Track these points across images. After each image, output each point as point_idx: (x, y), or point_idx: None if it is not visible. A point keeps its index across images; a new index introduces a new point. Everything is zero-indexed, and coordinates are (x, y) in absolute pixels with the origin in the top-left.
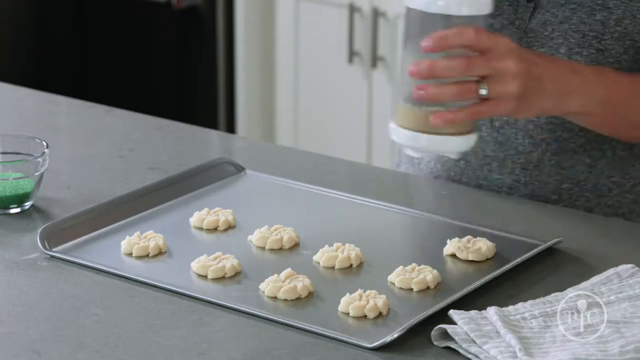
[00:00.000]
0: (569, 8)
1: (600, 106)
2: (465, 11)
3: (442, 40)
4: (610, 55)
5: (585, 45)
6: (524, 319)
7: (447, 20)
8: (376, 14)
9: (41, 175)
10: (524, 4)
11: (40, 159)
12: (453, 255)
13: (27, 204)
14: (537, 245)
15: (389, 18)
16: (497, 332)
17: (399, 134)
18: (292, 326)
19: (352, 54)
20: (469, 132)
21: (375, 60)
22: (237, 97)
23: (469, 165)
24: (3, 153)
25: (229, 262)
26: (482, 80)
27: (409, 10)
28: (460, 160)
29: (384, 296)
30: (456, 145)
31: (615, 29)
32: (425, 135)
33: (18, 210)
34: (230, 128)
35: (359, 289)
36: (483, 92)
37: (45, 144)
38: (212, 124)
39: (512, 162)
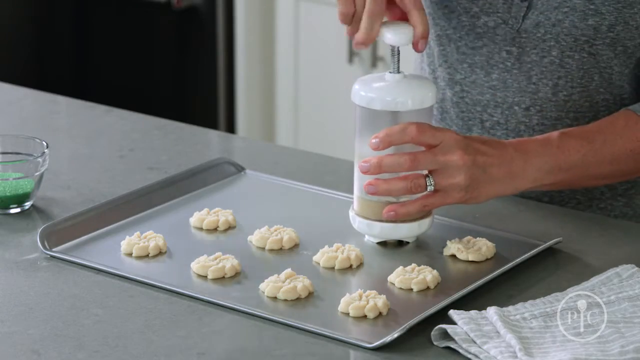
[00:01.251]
0: (561, 11)
1: (551, 175)
2: (408, 106)
3: (387, 138)
4: (601, 60)
5: (577, 49)
6: (524, 319)
7: (393, 115)
8: None
9: (41, 175)
10: (518, 3)
11: (40, 159)
12: (453, 256)
13: (27, 204)
14: (537, 245)
15: None
16: (497, 332)
17: (356, 222)
18: (292, 326)
19: (352, 54)
20: (422, 218)
21: (375, 60)
22: (237, 97)
23: None
24: (3, 153)
25: (229, 263)
26: (429, 174)
27: (355, 106)
28: None
29: (383, 296)
30: (409, 232)
31: (607, 35)
32: (379, 224)
33: (18, 210)
34: (230, 128)
35: (359, 289)
36: (430, 187)
37: (45, 144)
38: (212, 124)
39: None
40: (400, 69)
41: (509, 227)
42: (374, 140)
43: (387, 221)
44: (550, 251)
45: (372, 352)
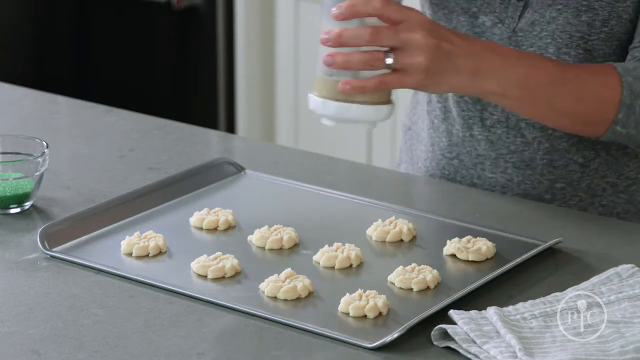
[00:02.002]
0: (555, 9)
1: (517, 88)
2: None
3: (350, 8)
4: (598, 56)
5: (572, 46)
6: (524, 319)
7: None
8: None
9: (41, 175)
10: (515, 3)
11: (40, 159)
12: (453, 256)
13: (27, 204)
14: (537, 245)
15: None
16: (497, 332)
17: (312, 102)
18: (292, 326)
19: None
20: (381, 103)
21: None
22: (237, 97)
23: (462, 164)
24: (3, 153)
25: (229, 262)
26: (390, 51)
27: None
28: (453, 159)
29: (383, 296)
30: (364, 114)
31: (601, 30)
32: (334, 103)
33: (18, 210)
34: (230, 128)
35: (359, 289)
36: (389, 61)
37: (45, 144)
38: (212, 124)
39: (504, 161)
40: None
41: (509, 227)
42: (336, 10)
43: (343, 101)
44: (550, 251)
45: (372, 352)
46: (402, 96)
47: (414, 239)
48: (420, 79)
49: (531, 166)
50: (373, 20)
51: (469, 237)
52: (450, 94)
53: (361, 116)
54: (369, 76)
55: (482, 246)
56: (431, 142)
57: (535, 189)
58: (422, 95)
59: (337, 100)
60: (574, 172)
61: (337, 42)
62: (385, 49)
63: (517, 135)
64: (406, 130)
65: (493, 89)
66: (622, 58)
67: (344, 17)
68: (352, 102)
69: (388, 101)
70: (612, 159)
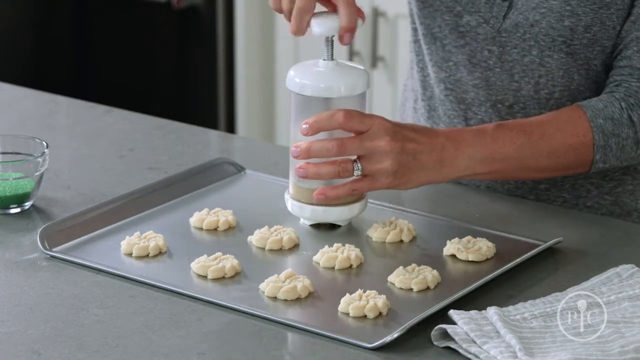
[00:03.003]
0: (539, 12)
1: (485, 166)
2: (339, 93)
3: (315, 124)
4: (579, 59)
5: (555, 49)
6: (524, 318)
7: (325, 101)
8: (376, 14)
9: (41, 175)
10: (500, 3)
11: (40, 159)
12: (453, 256)
13: (27, 204)
14: (537, 246)
15: (389, 18)
16: (497, 332)
17: (290, 204)
18: (292, 326)
19: (352, 54)
20: (353, 202)
21: (375, 60)
22: (237, 97)
23: None
24: (3, 153)
25: (229, 263)
26: (357, 159)
27: (290, 92)
28: None
29: (383, 296)
30: (339, 215)
31: (584, 36)
32: (310, 207)
33: (18, 210)
34: (230, 128)
35: (359, 289)
36: (357, 172)
37: (45, 144)
38: (212, 124)
39: None
40: (334, 57)
41: (509, 227)
42: (304, 126)
43: (318, 204)
44: (550, 251)
45: (371, 352)
46: (390, 97)
47: (414, 239)
48: (389, 181)
49: None
50: (340, 131)
51: (469, 237)
52: (437, 91)
53: (336, 217)
54: (341, 180)
55: (482, 246)
56: None
57: (520, 189)
58: (410, 94)
59: (312, 204)
60: None
61: (307, 155)
62: (353, 157)
63: None
64: None
65: (461, 174)
66: (604, 63)
67: (310, 133)
68: (327, 205)
69: (361, 198)
70: None
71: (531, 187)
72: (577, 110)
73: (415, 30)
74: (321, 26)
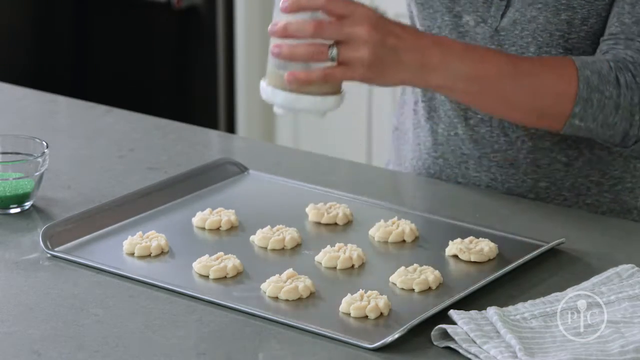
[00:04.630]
0: (535, 7)
1: (464, 82)
2: None
3: (295, 2)
4: (578, 54)
5: (553, 45)
6: (524, 318)
7: None
8: None
9: (41, 175)
10: (497, 2)
11: (40, 159)
12: (455, 256)
13: (27, 204)
14: (539, 246)
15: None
16: (497, 332)
17: (263, 90)
18: (293, 326)
19: None
20: (329, 94)
21: None
22: (237, 97)
23: (447, 162)
24: (3, 153)
25: (231, 262)
26: (335, 44)
27: None
28: (438, 158)
29: (385, 297)
30: (312, 104)
31: (581, 28)
32: (282, 93)
33: (18, 210)
34: (230, 128)
35: (360, 290)
36: (332, 54)
37: (45, 144)
38: (212, 124)
39: (488, 160)
40: None
41: (511, 227)
42: (284, 3)
43: (291, 91)
44: (551, 251)
45: (372, 353)
46: (390, 96)
47: (416, 239)
48: (364, 72)
49: (515, 165)
50: (323, 14)
51: (471, 237)
52: (437, 94)
53: (309, 106)
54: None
55: (485, 247)
56: (417, 142)
57: (519, 187)
58: (409, 96)
59: (285, 90)
60: (557, 171)
61: (283, 33)
62: (331, 42)
63: (500, 134)
64: (394, 130)
65: (439, 83)
66: None
67: (290, 9)
68: (300, 92)
69: (337, 91)
70: (596, 158)
71: (531, 185)
72: (567, 60)
73: None
74: None
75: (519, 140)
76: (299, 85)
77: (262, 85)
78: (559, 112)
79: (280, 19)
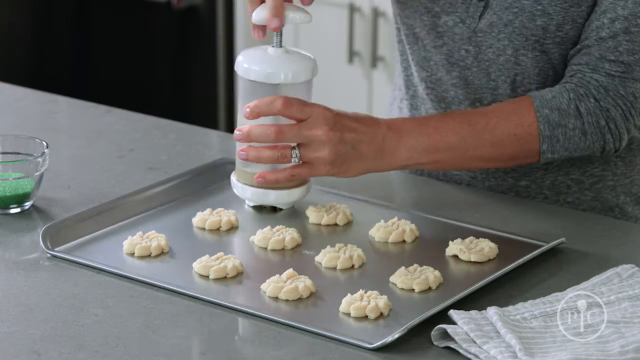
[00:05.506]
0: (512, 12)
1: (427, 156)
2: (281, 79)
3: (255, 108)
4: (554, 58)
5: (529, 48)
6: (524, 319)
7: (272, 88)
8: (376, 14)
9: (41, 175)
10: (476, 3)
11: (40, 159)
12: (455, 256)
13: (27, 204)
14: (539, 246)
15: (389, 18)
16: (497, 332)
17: (234, 185)
18: (293, 326)
19: (352, 54)
20: (294, 187)
21: (375, 60)
22: (237, 97)
23: None
24: (3, 153)
25: (231, 263)
26: (297, 146)
27: (238, 77)
28: None
29: (385, 297)
30: (278, 198)
31: (556, 34)
32: (251, 189)
33: (18, 210)
34: (230, 128)
35: (361, 290)
36: (295, 159)
37: (45, 144)
38: (212, 124)
39: None
40: (283, 44)
41: (511, 227)
42: (246, 109)
43: (259, 187)
44: (551, 251)
45: (372, 353)
46: (381, 91)
47: (416, 239)
48: (328, 169)
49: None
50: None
51: (471, 237)
52: (420, 90)
53: (276, 201)
54: (282, 165)
55: (485, 247)
56: None
57: (500, 186)
58: (397, 92)
59: (254, 186)
60: (537, 169)
61: (247, 139)
62: (294, 144)
63: None
64: None
65: (402, 163)
66: None
67: (251, 117)
68: (268, 188)
69: (303, 183)
70: (576, 157)
71: (511, 184)
72: (525, 100)
73: (398, 30)
74: (257, 15)
75: None
76: (267, 184)
77: (233, 180)
78: (529, 153)
79: (244, 124)
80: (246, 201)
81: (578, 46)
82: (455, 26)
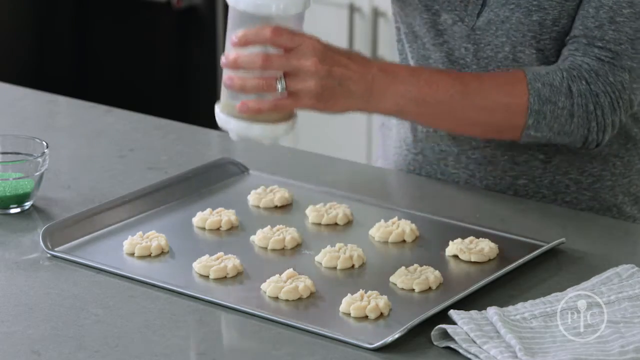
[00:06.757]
0: (508, 8)
1: (414, 105)
2: (271, 10)
3: (243, 37)
4: (550, 55)
5: (526, 45)
6: (524, 319)
7: (262, 20)
8: (376, 14)
9: (41, 175)
10: (474, 1)
11: (40, 159)
12: (455, 256)
13: (27, 204)
14: (539, 246)
15: (389, 18)
16: (497, 332)
17: (217, 116)
18: (293, 326)
19: None
20: (279, 121)
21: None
22: None
23: (426, 159)
24: (3, 153)
25: (231, 262)
26: (283, 76)
27: (229, 7)
28: (418, 154)
29: (385, 297)
30: (264, 132)
31: (552, 29)
32: (235, 121)
33: (18, 210)
34: None
35: (361, 290)
36: (279, 87)
37: (45, 144)
38: (212, 124)
39: (466, 157)
40: None
41: (511, 227)
42: (233, 37)
43: (242, 119)
44: (551, 251)
45: (372, 353)
46: None
47: (416, 239)
48: (313, 102)
49: (493, 162)
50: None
51: (471, 237)
52: None
53: (261, 133)
54: (269, 97)
55: (485, 247)
56: (399, 138)
57: (498, 185)
58: None
59: (237, 118)
60: (535, 168)
61: (233, 65)
62: (280, 74)
63: None
64: (380, 126)
65: (388, 108)
66: None
67: (239, 44)
68: (252, 120)
69: (288, 118)
70: (574, 155)
71: (510, 182)
72: (518, 73)
73: (398, 29)
74: None
75: None
76: (251, 114)
77: (217, 110)
78: (513, 126)
79: (231, 52)
80: (230, 133)
81: (568, 37)
82: (455, 24)
